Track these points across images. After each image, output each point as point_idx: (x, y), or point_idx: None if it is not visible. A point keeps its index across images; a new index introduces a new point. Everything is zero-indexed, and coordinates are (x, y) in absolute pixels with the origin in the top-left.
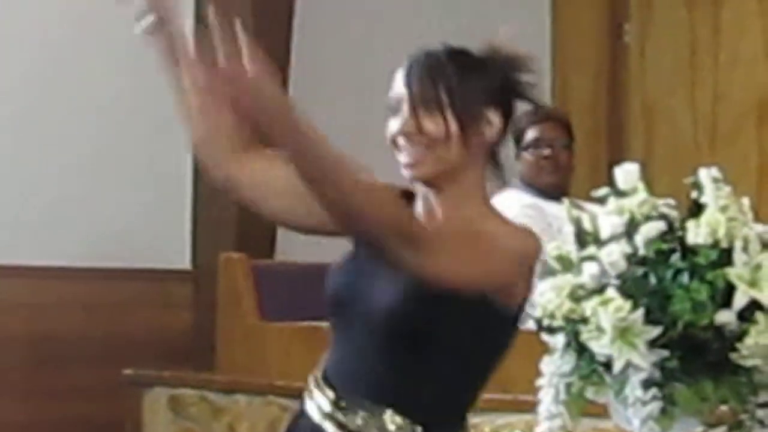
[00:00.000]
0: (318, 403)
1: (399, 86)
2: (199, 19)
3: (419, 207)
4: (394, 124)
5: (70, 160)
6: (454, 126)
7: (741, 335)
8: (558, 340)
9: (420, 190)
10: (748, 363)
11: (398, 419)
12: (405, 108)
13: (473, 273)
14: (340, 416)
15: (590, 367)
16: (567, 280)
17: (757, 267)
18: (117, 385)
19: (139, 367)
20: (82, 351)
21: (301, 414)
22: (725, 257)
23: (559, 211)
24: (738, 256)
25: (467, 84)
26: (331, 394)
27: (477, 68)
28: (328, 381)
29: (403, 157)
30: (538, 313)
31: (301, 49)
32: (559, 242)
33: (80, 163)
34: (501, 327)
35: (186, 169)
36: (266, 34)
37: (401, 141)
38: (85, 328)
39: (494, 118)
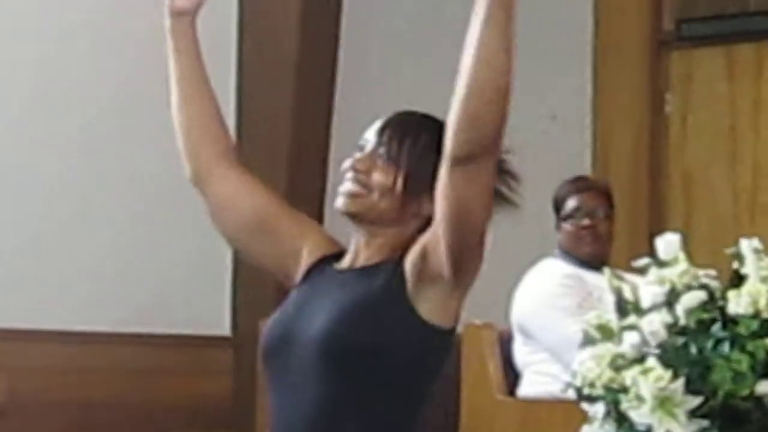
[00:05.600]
0: None
1: (373, 131)
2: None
3: (351, 250)
4: (351, 159)
5: (112, 229)
6: (399, 184)
7: None
8: (598, 409)
9: (354, 236)
10: None
11: None
12: (367, 150)
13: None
14: None
15: None
16: (607, 349)
17: None
18: None
19: None
20: (123, 416)
21: None
22: (766, 328)
23: (599, 280)
24: None
25: (430, 157)
26: None
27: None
28: None
29: (342, 187)
30: (578, 381)
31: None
32: (599, 311)
33: (122, 231)
34: (439, 348)
35: None
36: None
37: (349, 174)
38: (126, 393)
39: None
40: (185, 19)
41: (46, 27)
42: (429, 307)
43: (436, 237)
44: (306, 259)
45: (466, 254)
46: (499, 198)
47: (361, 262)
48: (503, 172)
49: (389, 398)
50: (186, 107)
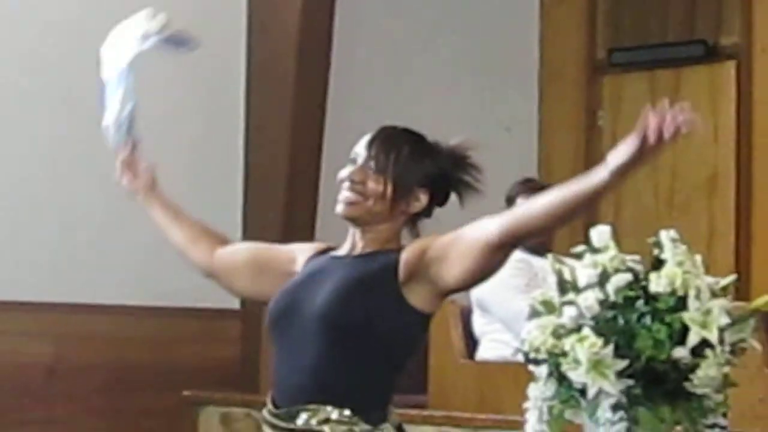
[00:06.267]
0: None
1: (362, 146)
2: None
3: (348, 242)
4: (347, 171)
5: (145, 219)
6: (389, 191)
7: (693, 368)
8: (542, 370)
9: (351, 230)
10: (699, 391)
11: (336, 411)
12: (359, 162)
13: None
14: (282, 423)
15: (569, 393)
16: (550, 320)
17: (708, 311)
18: (178, 404)
19: (196, 389)
20: (149, 377)
21: None
22: (681, 303)
23: (544, 264)
24: (692, 303)
25: (412, 165)
26: (272, 407)
27: (425, 155)
28: (274, 402)
29: (341, 196)
30: (526, 347)
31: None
32: (544, 290)
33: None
34: (419, 328)
35: (236, 220)
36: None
37: (346, 184)
38: (152, 357)
39: (422, 197)
40: (146, 189)
41: (45, 27)
42: (415, 296)
43: (442, 255)
44: (301, 261)
45: (472, 286)
46: (466, 186)
47: (358, 251)
48: (469, 165)
49: (374, 363)
50: (171, 230)
